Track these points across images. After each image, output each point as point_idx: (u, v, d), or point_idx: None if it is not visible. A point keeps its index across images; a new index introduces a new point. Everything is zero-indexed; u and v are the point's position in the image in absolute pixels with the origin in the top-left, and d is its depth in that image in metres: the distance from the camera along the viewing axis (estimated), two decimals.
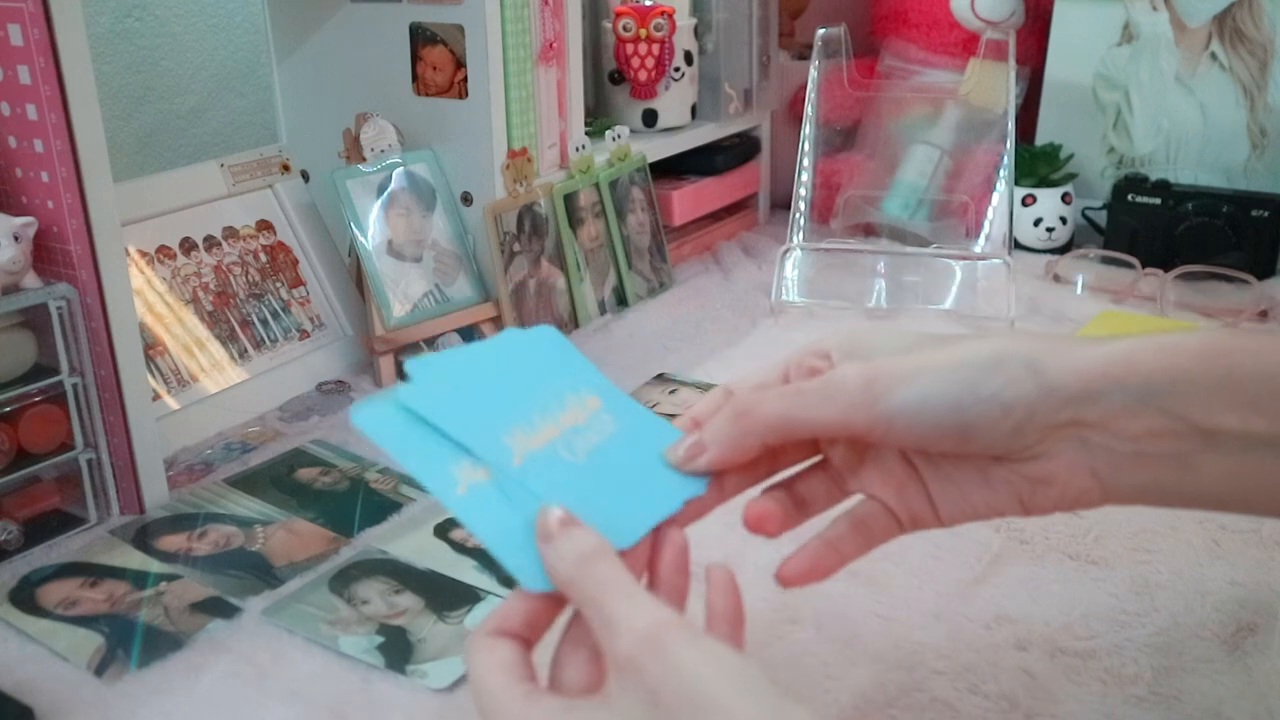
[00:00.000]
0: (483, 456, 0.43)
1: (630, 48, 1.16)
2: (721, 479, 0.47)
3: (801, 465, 0.50)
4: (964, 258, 1.11)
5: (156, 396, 0.81)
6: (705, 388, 0.90)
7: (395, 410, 0.43)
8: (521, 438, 0.44)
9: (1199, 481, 0.43)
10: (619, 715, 0.36)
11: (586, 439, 0.46)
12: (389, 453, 0.42)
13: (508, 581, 0.65)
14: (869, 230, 1.23)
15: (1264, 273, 1.11)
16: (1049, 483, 0.44)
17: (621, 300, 1.11)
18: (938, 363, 0.44)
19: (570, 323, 1.05)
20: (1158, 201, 1.15)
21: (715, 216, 1.31)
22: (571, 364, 0.49)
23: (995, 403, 0.43)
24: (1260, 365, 0.41)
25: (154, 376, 0.82)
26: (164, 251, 0.88)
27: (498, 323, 0.99)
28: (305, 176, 1.00)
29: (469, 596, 0.64)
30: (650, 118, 1.19)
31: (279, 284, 0.94)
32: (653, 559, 0.44)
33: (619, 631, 0.37)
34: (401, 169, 0.97)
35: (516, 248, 1.00)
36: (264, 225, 0.95)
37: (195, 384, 0.85)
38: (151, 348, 0.83)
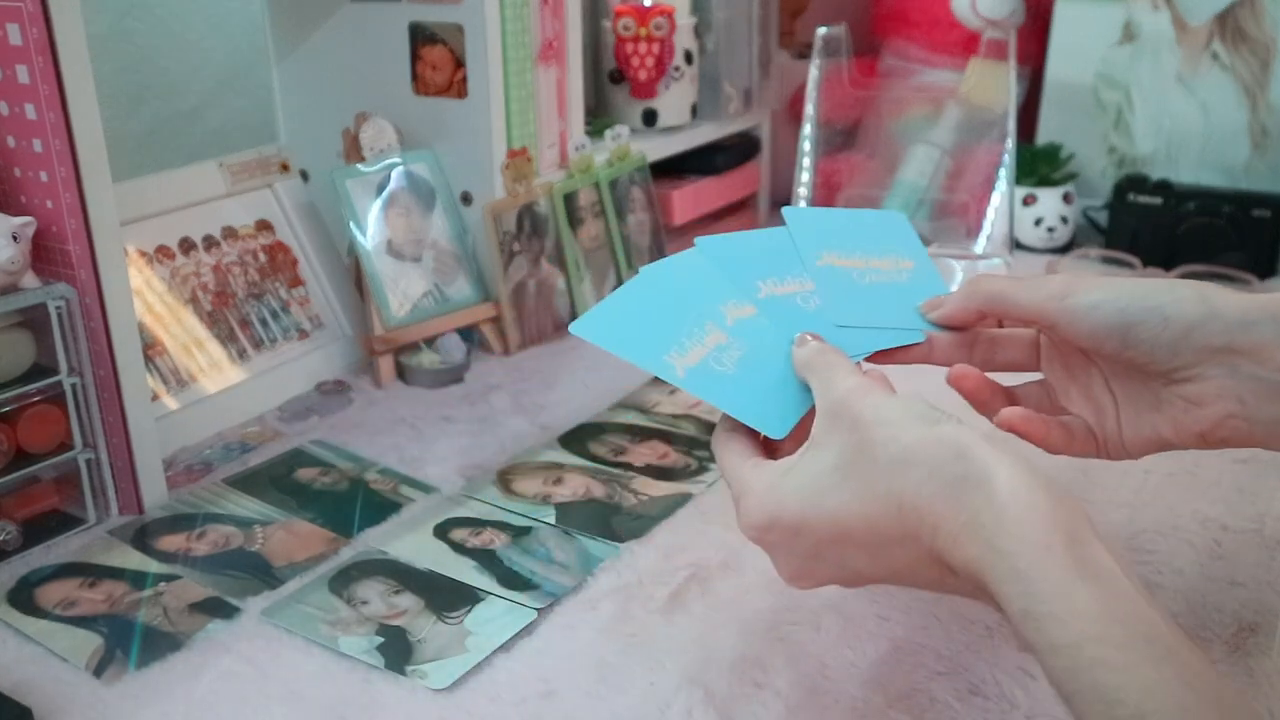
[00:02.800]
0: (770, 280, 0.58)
1: (630, 47, 1.16)
2: (935, 341, 0.58)
3: (1028, 379, 0.60)
4: (964, 257, 1.11)
5: (155, 396, 0.81)
6: None
7: (609, 315, 0.54)
8: (678, 357, 0.53)
9: None
10: (828, 448, 0.47)
11: (881, 277, 0.60)
12: (612, 352, 0.52)
13: (508, 582, 0.65)
14: None
15: (1265, 272, 1.11)
16: (1199, 404, 0.52)
17: None
18: (1126, 281, 0.53)
19: (570, 323, 1.04)
20: (1159, 201, 1.15)
21: (715, 216, 1.31)
22: (911, 240, 0.63)
23: (1158, 314, 0.51)
24: None
25: (153, 376, 0.82)
26: (163, 251, 0.88)
27: (497, 323, 0.99)
28: (305, 176, 1.00)
29: (469, 596, 0.63)
30: (650, 117, 1.19)
31: (278, 284, 0.94)
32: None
33: (837, 387, 0.48)
34: (401, 169, 0.97)
35: (516, 247, 1.00)
36: (263, 225, 0.95)
37: (194, 384, 0.85)
38: (150, 348, 0.83)
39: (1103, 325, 0.53)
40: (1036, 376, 0.60)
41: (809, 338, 0.54)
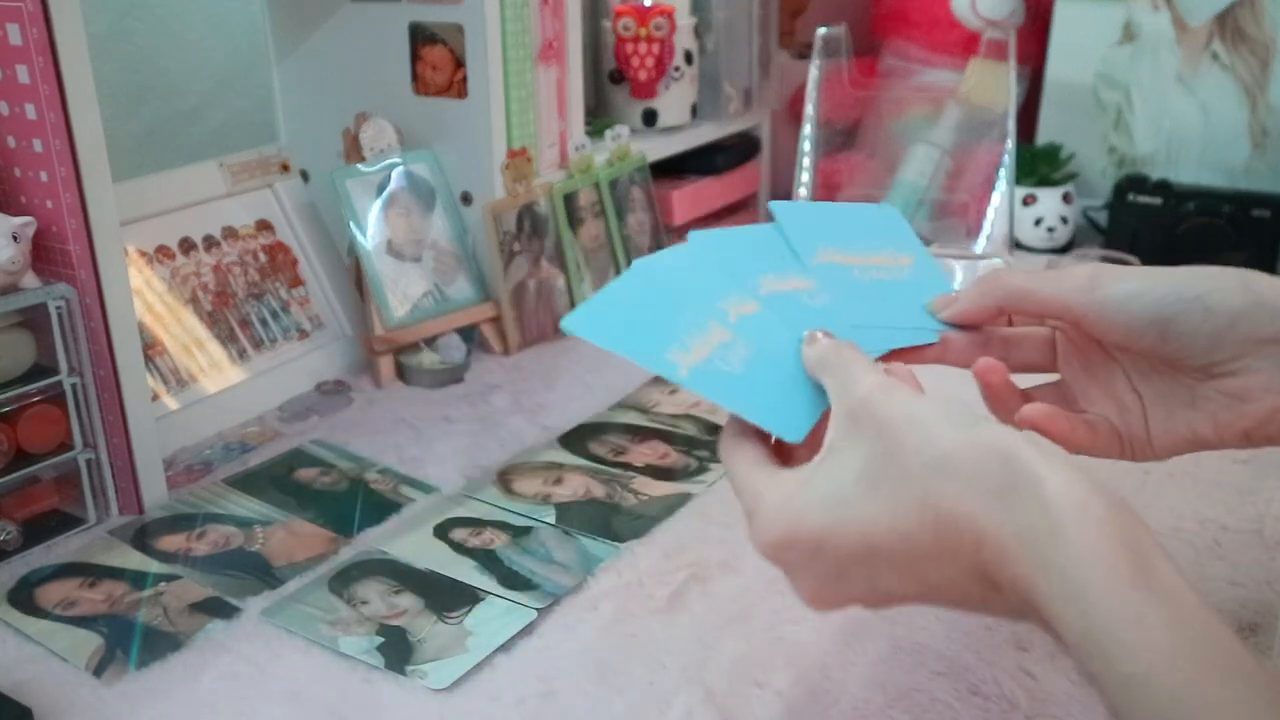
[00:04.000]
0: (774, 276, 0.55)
1: (630, 47, 1.16)
2: (949, 341, 0.55)
3: (1040, 380, 0.57)
4: (964, 257, 1.11)
5: (155, 396, 0.81)
6: None
7: (603, 310, 0.50)
8: (680, 354, 0.49)
9: None
10: (852, 454, 0.43)
11: (882, 274, 0.57)
12: (608, 349, 0.48)
13: (508, 582, 0.65)
14: None
15: (1265, 272, 1.11)
16: (1244, 399, 0.49)
17: None
18: (1157, 269, 0.50)
19: None
20: (1158, 201, 1.15)
21: (715, 216, 1.31)
22: (907, 235, 0.61)
23: (1199, 304, 0.48)
24: None
25: (153, 376, 0.82)
26: (163, 251, 0.88)
27: (497, 323, 0.99)
28: (305, 176, 1.00)
29: (469, 596, 0.63)
30: (650, 117, 1.19)
31: (278, 284, 0.94)
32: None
33: (857, 387, 0.45)
34: (401, 169, 0.97)
35: (516, 247, 1.00)
36: (263, 225, 0.95)
37: (194, 384, 0.85)
38: (151, 348, 0.83)
39: (1140, 318, 0.49)
40: (1052, 378, 0.57)
41: (820, 335, 0.50)
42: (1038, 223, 1.22)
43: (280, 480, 0.78)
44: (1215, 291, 0.48)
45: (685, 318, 0.51)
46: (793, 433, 0.48)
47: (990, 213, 1.11)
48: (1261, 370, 0.48)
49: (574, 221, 1.05)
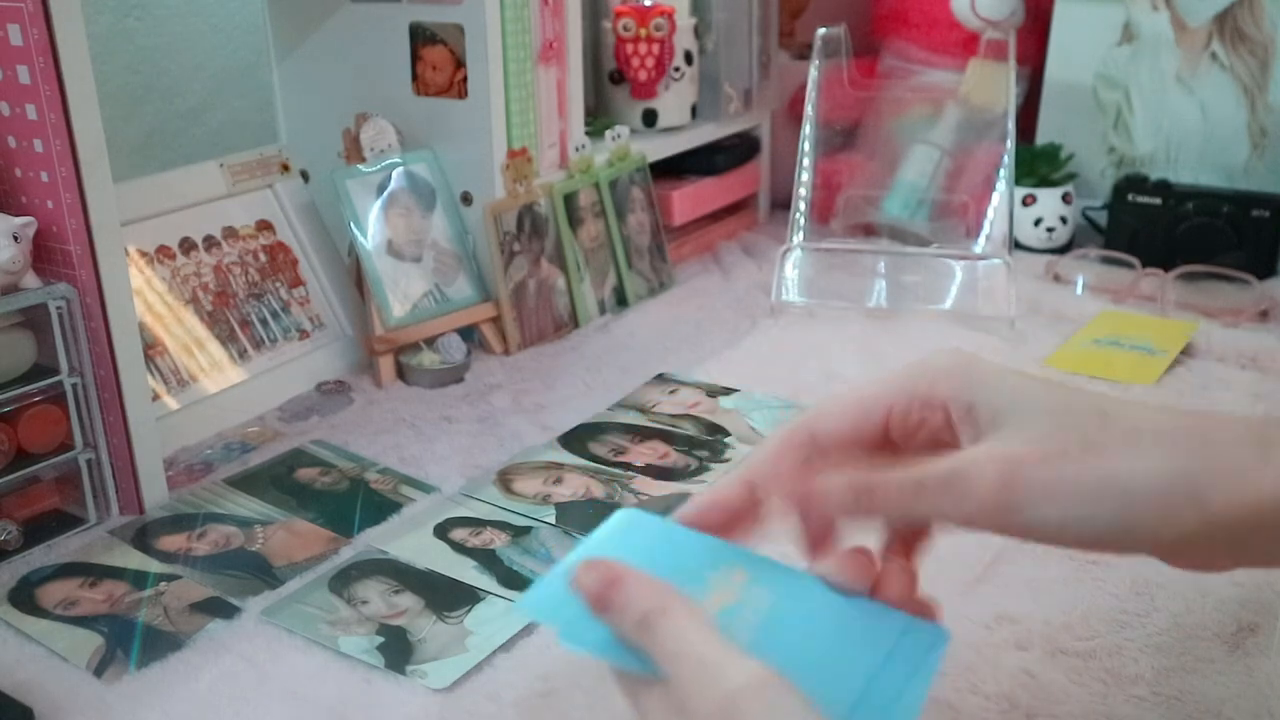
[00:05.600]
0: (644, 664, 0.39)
1: (630, 48, 1.16)
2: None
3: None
4: (964, 258, 1.11)
5: (156, 396, 0.81)
6: (706, 388, 0.90)
7: (561, 596, 0.41)
8: None
9: None
10: None
11: (744, 620, 0.40)
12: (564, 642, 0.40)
13: (508, 582, 0.65)
14: (869, 230, 1.23)
15: (1264, 272, 1.11)
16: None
17: (621, 300, 1.11)
18: (1087, 479, 0.38)
19: (570, 323, 1.05)
20: (1158, 201, 1.15)
21: (715, 216, 1.31)
22: (689, 539, 0.45)
23: (1148, 535, 0.38)
24: None
25: (153, 376, 0.82)
26: (164, 251, 0.88)
27: (497, 323, 0.99)
28: (305, 176, 1.00)
29: (469, 596, 0.63)
30: (650, 117, 1.19)
31: (279, 284, 0.94)
32: None
33: (701, 693, 0.36)
34: (401, 169, 0.97)
35: (516, 247, 1.00)
36: (264, 225, 0.95)
37: (195, 384, 0.85)
38: (151, 348, 0.83)
39: (1075, 545, 0.40)
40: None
41: (599, 586, 0.39)
42: (1037, 223, 1.22)
43: (280, 480, 0.78)
44: (1166, 522, 0.38)
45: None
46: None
47: (990, 213, 1.11)
48: (1217, 563, 0.41)
49: (574, 221, 1.06)
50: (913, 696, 0.39)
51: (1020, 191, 1.22)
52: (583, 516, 0.72)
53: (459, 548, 0.69)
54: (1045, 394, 0.41)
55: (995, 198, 1.11)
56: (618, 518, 0.45)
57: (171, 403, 0.83)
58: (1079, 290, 1.11)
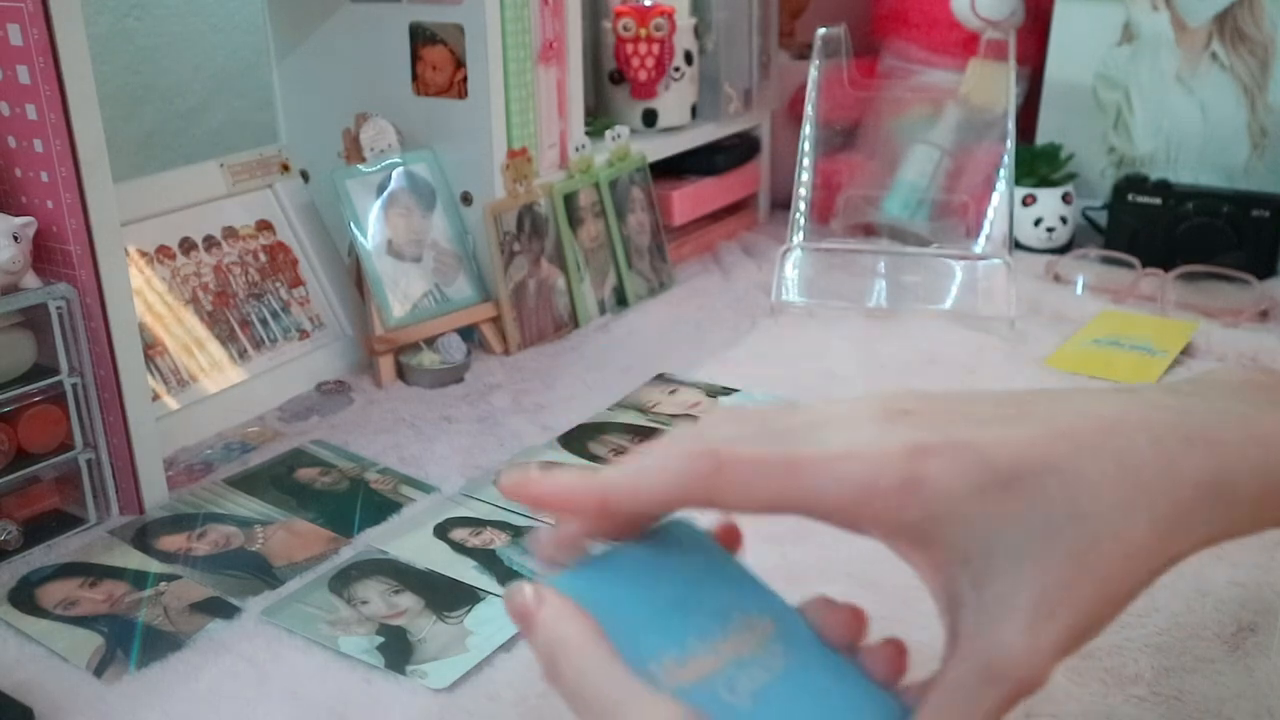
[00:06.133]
0: None
1: (630, 48, 1.16)
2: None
3: None
4: (964, 258, 1.11)
5: (156, 396, 0.81)
6: (705, 388, 0.90)
7: None
8: (673, 668, 0.37)
9: None
10: None
11: (752, 676, 0.37)
12: None
13: (508, 582, 0.65)
14: (869, 230, 1.23)
15: (1264, 272, 1.11)
16: None
17: (621, 300, 1.11)
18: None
19: (570, 323, 1.05)
20: (1158, 201, 1.15)
21: (715, 216, 1.31)
22: (730, 572, 0.41)
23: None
24: None
25: (153, 376, 0.82)
26: (164, 251, 0.88)
27: (497, 323, 0.99)
28: (305, 176, 1.00)
29: (469, 596, 0.63)
30: (650, 117, 1.19)
31: (279, 284, 0.94)
32: None
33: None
34: (401, 169, 0.97)
35: (516, 248, 1.00)
36: (264, 225, 0.95)
37: (195, 384, 0.85)
38: (151, 348, 0.83)
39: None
40: None
41: (527, 586, 0.37)
42: (1037, 223, 1.22)
43: (280, 480, 0.78)
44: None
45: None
46: None
47: (990, 213, 1.11)
48: None
49: (574, 221, 1.06)
50: None
51: (1020, 191, 1.22)
52: None
53: (459, 548, 0.69)
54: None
55: (995, 198, 1.11)
56: (667, 526, 0.42)
57: (171, 403, 0.83)
58: (1079, 290, 1.11)
